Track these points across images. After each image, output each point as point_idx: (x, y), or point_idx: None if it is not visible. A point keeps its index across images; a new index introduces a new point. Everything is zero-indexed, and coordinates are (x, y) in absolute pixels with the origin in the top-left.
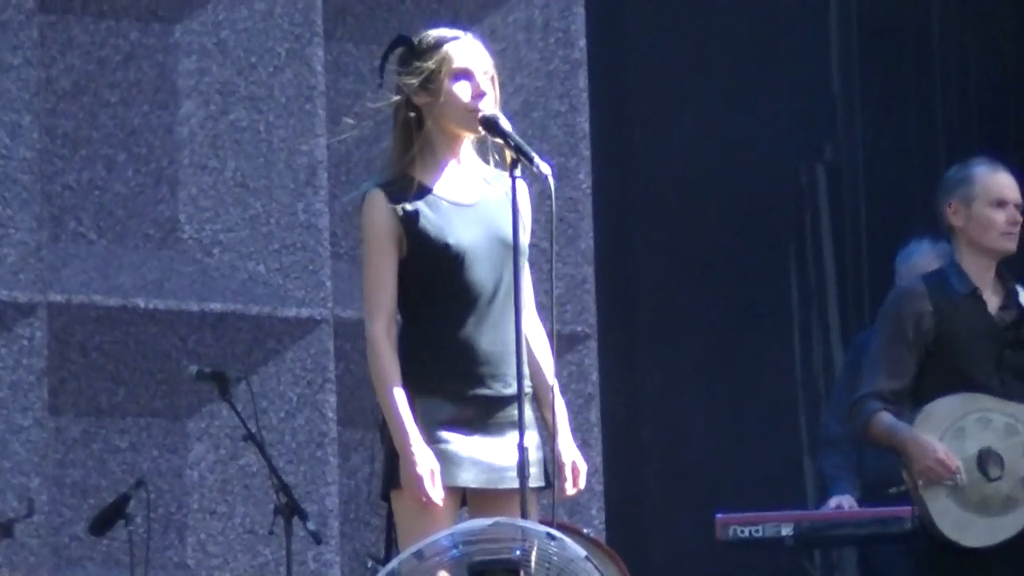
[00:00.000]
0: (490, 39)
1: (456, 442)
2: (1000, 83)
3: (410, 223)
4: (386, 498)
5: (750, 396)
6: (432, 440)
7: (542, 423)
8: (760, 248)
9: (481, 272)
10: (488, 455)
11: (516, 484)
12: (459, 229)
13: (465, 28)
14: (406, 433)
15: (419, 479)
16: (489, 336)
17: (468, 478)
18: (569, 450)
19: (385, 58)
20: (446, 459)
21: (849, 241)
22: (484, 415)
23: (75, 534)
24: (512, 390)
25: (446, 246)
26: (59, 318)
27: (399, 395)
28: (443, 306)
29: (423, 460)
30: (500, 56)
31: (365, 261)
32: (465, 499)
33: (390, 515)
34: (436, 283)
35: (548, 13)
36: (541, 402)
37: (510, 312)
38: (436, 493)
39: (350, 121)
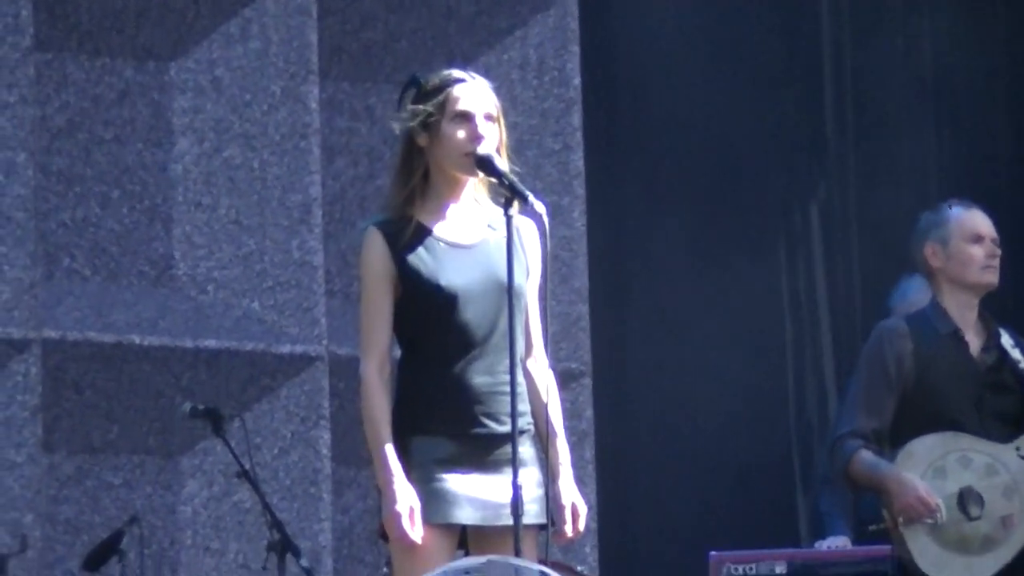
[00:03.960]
0: (485, 77)
1: (452, 480)
2: (992, 124)
3: (404, 263)
4: (385, 537)
5: (744, 434)
6: (428, 479)
7: (544, 461)
8: (754, 287)
9: (475, 313)
10: (486, 493)
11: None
12: (452, 270)
13: (460, 66)
14: (389, 471)
15: (398, 516)
16: (484, 376)
17: (464, 516)
18: (569, 492)
19: (401, 98)
20: (441, 497)
21: (842, 280)
22: (481, 453)
23: (69, 570)
24: (508, 428)
25: (438, 287)
26: (53, 355)
27: (385, 434)
28: (438, 346)
29: (403, 498)
30: (494, 94)
31: (361, 299)
32: (465, 538)
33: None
34: (430, 323)
35: (543, 52)
36: (543, 440)
37: (508, 353)
38: (415, 532)
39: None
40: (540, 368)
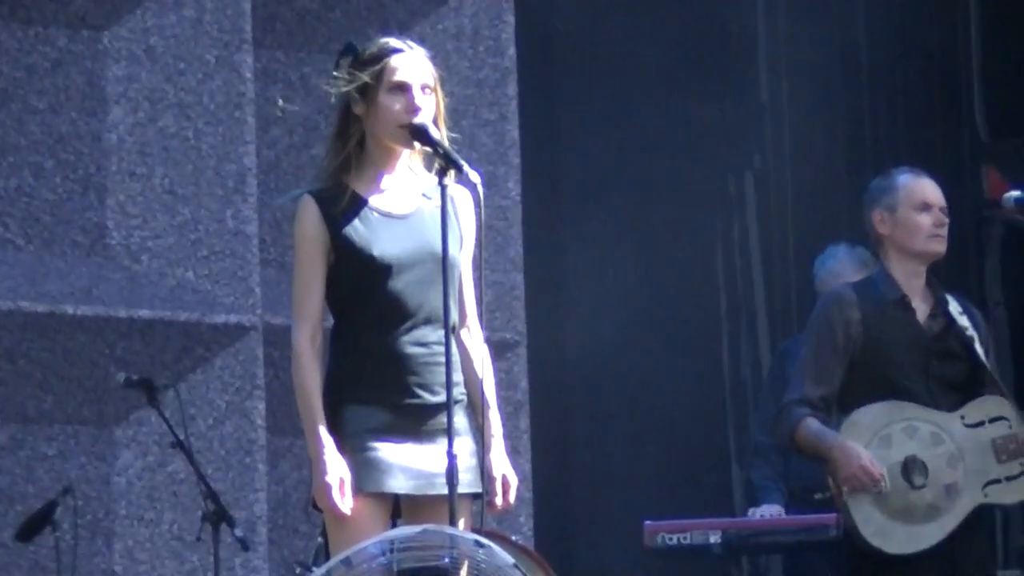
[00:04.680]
0: (420, 46)
1: (385, 449)
2: (926, 93)
3: (337, 232)
4: (317, 507)
5: (679, 403)
6: (361, 448)
7: (478, 431)
8: (689, 256)
9: (408, 283)
10: (419, 462)
11: (446, 491)
12: (386, 240)
13: (395, 35)
14: (319, 442)
15: (328, 488)
16: (417, 346)
17: (397, 485)
18: (501, 463)
19: (337, 65)
20: (374, 466)
21: (776, 250)
22: (415, 423)
23: (1, 541)
24: (441, 398)
25: (371, 257)
26: None
27: (316, 404)
28: (370, 315)
29: (333, 469)
30: (432, 64)
31: (294, 268)
32: (399, 507)
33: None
34: (363, 293)
35: (478, 22)
36: (477, 410)
37: (441, 323)
38: (345, 503)
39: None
40: (474, 339)
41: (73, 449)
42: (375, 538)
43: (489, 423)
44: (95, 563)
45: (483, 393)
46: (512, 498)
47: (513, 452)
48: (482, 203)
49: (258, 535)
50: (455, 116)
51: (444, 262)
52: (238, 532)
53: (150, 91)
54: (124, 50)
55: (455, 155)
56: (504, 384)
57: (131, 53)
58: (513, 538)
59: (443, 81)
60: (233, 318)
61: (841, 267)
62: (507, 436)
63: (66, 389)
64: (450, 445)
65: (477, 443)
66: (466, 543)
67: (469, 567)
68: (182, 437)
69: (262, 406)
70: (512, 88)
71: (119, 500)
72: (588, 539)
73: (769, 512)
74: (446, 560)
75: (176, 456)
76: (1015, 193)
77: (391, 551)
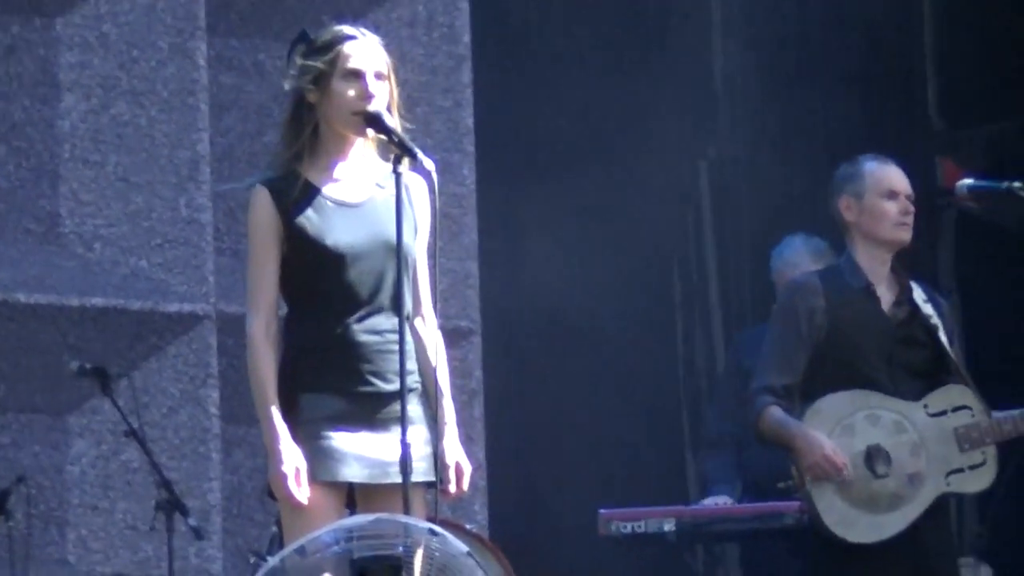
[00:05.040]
0: (374, 34)
1: (339, 438)
2: (881, 82)
3: (290, 221)
4: (272, 496)
5: (634, 392)
6: (315, 436)
7: (432, 419)
8: (643, 245)
9: (362, 272)
10: (373, 451)
11: (400, 479)
12: (339, 229)
13: (349, 23)
14: (275, 431)
15: (284, 477)
16: (371, 334)
17: (351, 473)
18: (454, 451)
19: (290, 54)
20: (328, 455)
21: (731, 240)
22: (369, 411)
23: None
24: (395, 386)
25: (324, 246)
26: None
27: (271, 393)
28: (324, 304)
29: (289, 458)
30: (385, 51)
31: (248, 257)
32: (354, 496)
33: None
34: (316, 282)
35: (432, 8)
36: (431, 399)
37: (395, 311)
38: (301, 492)
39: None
40: (428, 327)
41: (26, 438)
42: (329, 527)
43: (442, 411)
44: (48, 552)
45: (436, 381)
46: (466, 486)
47: (467, 440)
48: (436, 190)
49: (212, 524)
50: (409, 103)
51: (399, 250)
52: (192, 521)
53: (103, 78)
54: (77, 37)
55: (409, 143)
56: (458, 372)
57: (84, 40)
58: (467, 526)
59: (397, 68)
60: (187, 306)
61: (798, 257)
62: (461, 424)
63: (19, 377)
64: (403, 434)
65: (432, 432)
66: (420, 531)
67: (424, 555)
68: (135, 426)
69: (216, 395)
70: (467, 75)
71: (72, 489)
72: (542, 527)
73: (717, 502)
74: (400, 549)
75: (130, 445)
76: (968, 181)
77: (345, 540)
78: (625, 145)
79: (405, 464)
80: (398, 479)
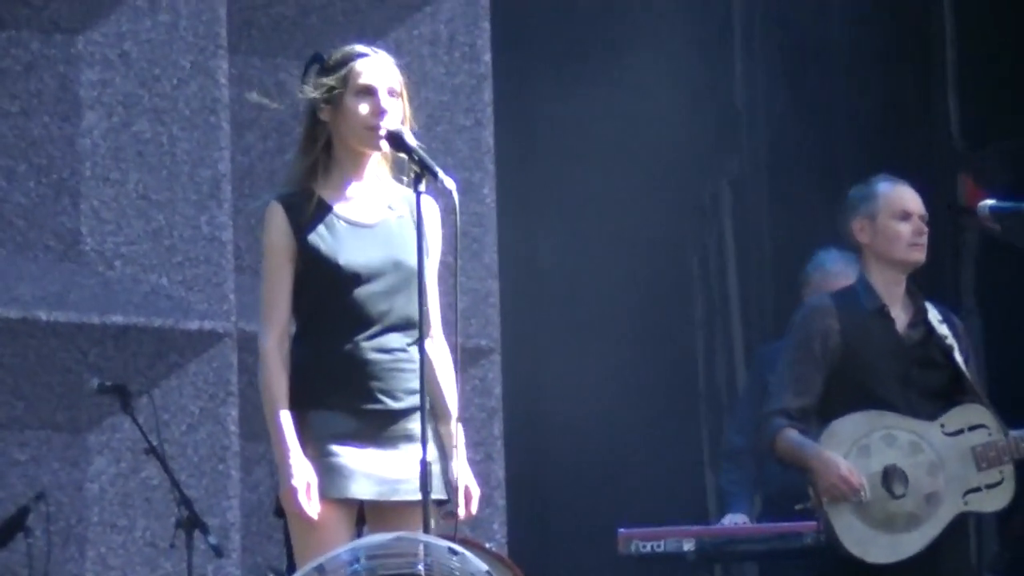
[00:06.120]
0: (395, 53)
1: (347, 455)
2: (902, 100)
3: (303, 239)
4: (279, 514)
5: (653, 410)
6: (323, 453)
7: (440, 438)
8: (664, 263)
9: (373, 292)
10: (382, 468)
11: (410, 496)
12: (352, 249)
13: (370, 42)
14: (286, 446)
15: (294, 491)
16: (381, 352)
17: (360, 490)
18: (463, 474)
19: (305, 74)
20: (337, 472)
21: (752, 256)
22: (377, 429)
23: None
24: (403, 404)
25: (337, 265)
26: None
27: (282, 409)
28: (335, 322)
29: (299, 473)
30: (405, 70)
31: (262, 274)
32: (364, 514)
33: (287, 531)
34: (328, 300)
35: (454, 27)
36: (439, 418)
37: (405, 331)
38: (312, 507)
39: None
40: (437, 347)
41: (46, 455)
42: (348, 545)
43: (452, 433)
44: (67, 570)
45: (446, 403)
46: (474, 509)
47: (487, 459)
48: (457, 209)
49: (231, 542)
50: (430, 122)
51: (420, 271)
52: (211, 539)
53: (124, 96)
54: (98, 54)
55: (430, 161)
56: (478, 391)
57: (105, 58)
58: (487, 545)
59: (417, 88)
60: (207, 324)
61: (838, 268)
62: (481, 443)
63: (39, 395)
64: (424, 452)
65: (439, 450)
66: (440, 551)
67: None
68: (155, 443)
69: (236, 412)
70: (488, 94)
71: (92, 506)
72: (562, 546)
73: (734, 521)
74: (419, 568)
75: (149, 462)
76: (990, 202)
77: (365, 558)
78: (646, 163)
79: (426, 484)
80: (407, 496)
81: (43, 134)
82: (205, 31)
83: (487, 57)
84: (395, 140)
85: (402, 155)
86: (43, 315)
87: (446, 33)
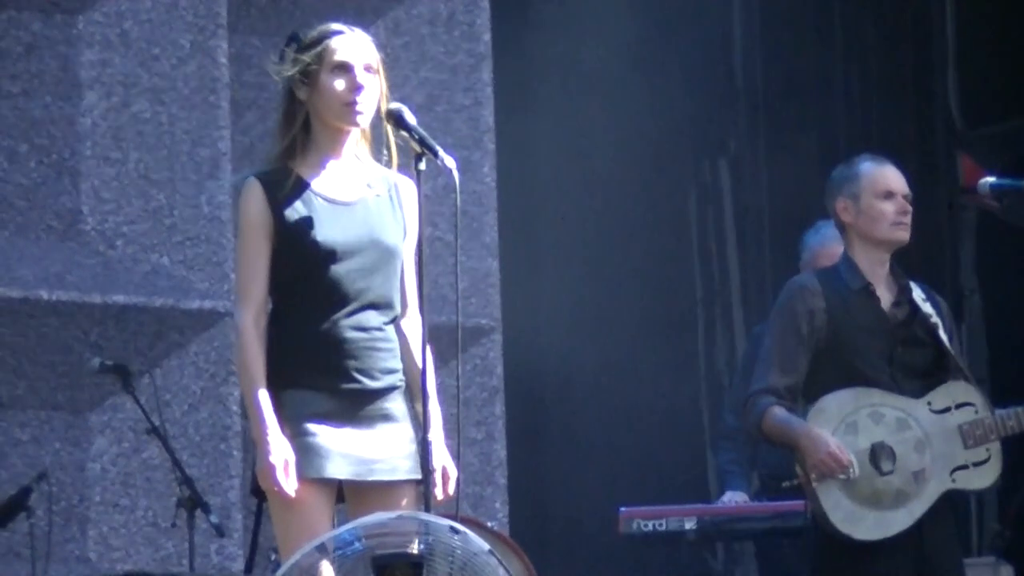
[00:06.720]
0: (394, 32)
1: (324, 434)
2: (901, 80)
3: (280, 216)
4: (256, 493)
5: (654, 390)
6: (299, 432)
7: (415, 417)
8: (664, 241)
9: (350, 270)
10: (357, 448)
11: (385, 477)
12: (329, 226)
13: (370, 21)
14: (263, 423)
15: (272, 469)
16: (358, 330)
17: (336, 470)
18: (439, 454)
19: (281, 54)
20: (313, 451)
21: (752, 234)
22: (353, 408)
23: None
24: (380, 383)
25: (314, 242)
26: None
27: (259, 386)
28: (311, 300)
29: (277, 451)
30: (404, 49)
31: (238, 250)
32: (343, 494)
33: (259, 511)
34: (304, 278)
35: (453, 6)
36: (414, 396)
37: (382, 310)
38: (289, 484)
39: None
40: (414, 326)
41: (47, 435)
42: (349, 524)
43: (428, 414)
44: (69, 549)
45: (424, 383)
46: (452, 490)
47: (488, 438)
48: (458, 189)
49: (233, 521)
50: (430, 102)
51: (418, 248)
52: (213, 518)
53: (124, 76)
54: (98, 35)
55: (430, 140)
56: (479, 370)
57: (105, 38)
58: (488, 524)
59: (417, 66)
60: (208, 303)
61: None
62: (482, 422)
63: (40, 375)
64: (425, 431)
65: (415, 430)
66: (441, 529)
67: (442, 554)
68: (157, 423)
69: (237, 392)
70: (487, 73)
71: (93, 486)
72: (563, 525)
73: (733, 499)
74: (421, 547)
75: (151, 442)
76: (990, 179)
77: (366, 537)
78: (645, 142)
79: (426, 461)
80: (383, 477)
81: (43, 114)
82: (204, 11)
83: (487, 36)
84: (395, 118)
85: (394, 135)
86: (44, 295)
87: (445, 12)
